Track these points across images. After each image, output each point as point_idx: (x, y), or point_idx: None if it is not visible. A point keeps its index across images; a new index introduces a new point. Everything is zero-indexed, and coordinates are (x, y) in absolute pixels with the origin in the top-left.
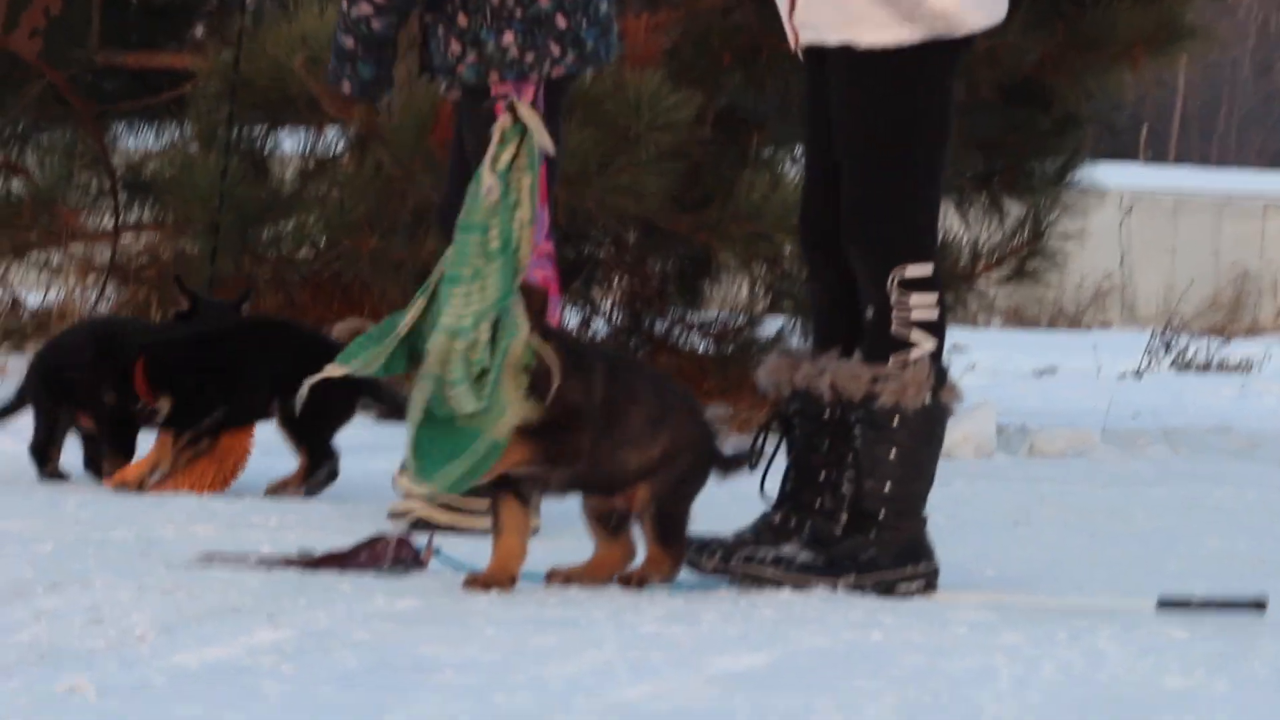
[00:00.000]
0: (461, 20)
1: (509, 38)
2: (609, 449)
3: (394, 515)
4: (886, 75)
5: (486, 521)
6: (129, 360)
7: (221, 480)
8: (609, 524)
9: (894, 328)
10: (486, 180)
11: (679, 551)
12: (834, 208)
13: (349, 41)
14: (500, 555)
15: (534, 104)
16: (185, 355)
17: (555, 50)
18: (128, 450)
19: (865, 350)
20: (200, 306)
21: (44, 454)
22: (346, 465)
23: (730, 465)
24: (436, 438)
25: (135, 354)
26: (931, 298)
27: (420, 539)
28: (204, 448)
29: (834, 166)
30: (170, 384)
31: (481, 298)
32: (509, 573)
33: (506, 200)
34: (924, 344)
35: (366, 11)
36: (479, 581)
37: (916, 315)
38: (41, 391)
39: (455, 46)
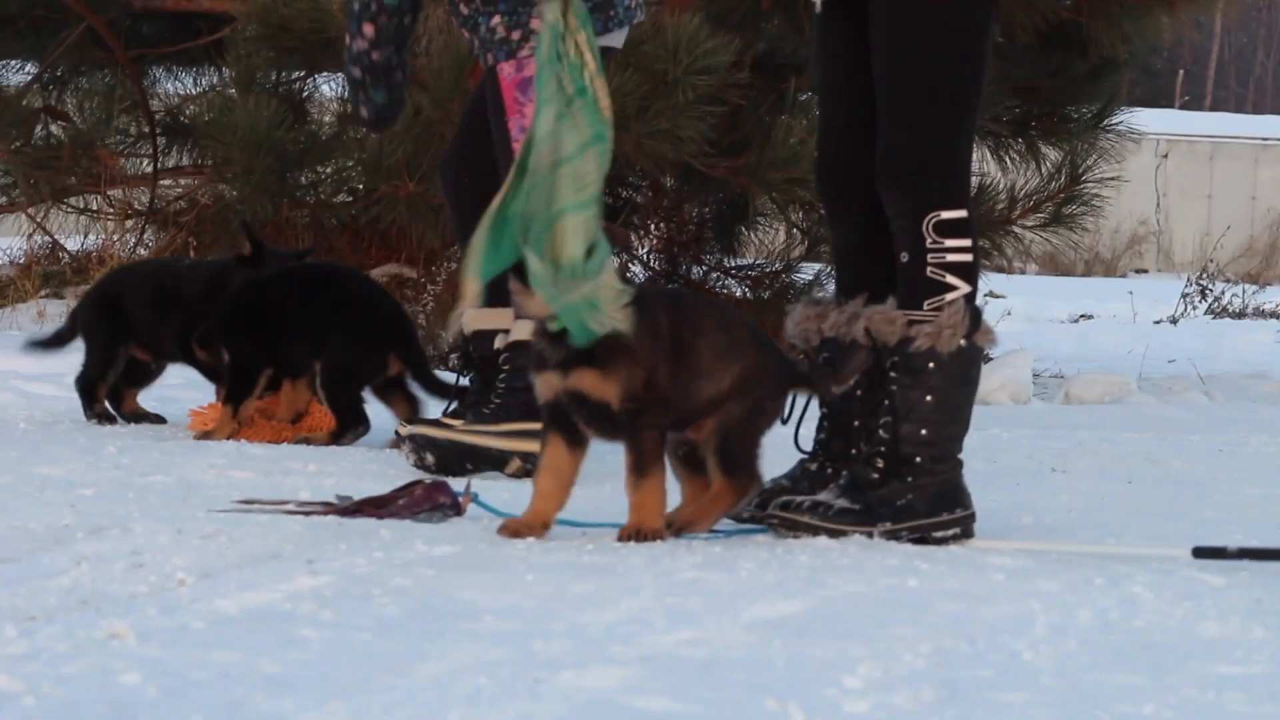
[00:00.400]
0: (463, 9)
1: (496, 20)
2: (682, 384)
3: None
4: (927, 19)
5: (503, 440)
6: (190, 307)
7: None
8: (689, 461)
9: (929, 271)
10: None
11: (743, 484)
12: (854, 153)
13: (356, 71)
14: (536, 501)
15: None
16: (234, 316)
17: (538, 26)
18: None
19: (900, 294)
20: (264, 253)
21: (93, 392)
22: (384, 412)
23: (814, 383)
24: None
25: (194, 302)
26: (966, 241)
27: (458, 485)
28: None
29: (851, 112)
30: (226, 344)
31: (579, 131)
32: (543, 519)
33: (565, 57)
34: (959, 287)
35: (363, 46)
36: (510, 528)
37: (951, 258)
38: (100, 327)
39: (465, 34)
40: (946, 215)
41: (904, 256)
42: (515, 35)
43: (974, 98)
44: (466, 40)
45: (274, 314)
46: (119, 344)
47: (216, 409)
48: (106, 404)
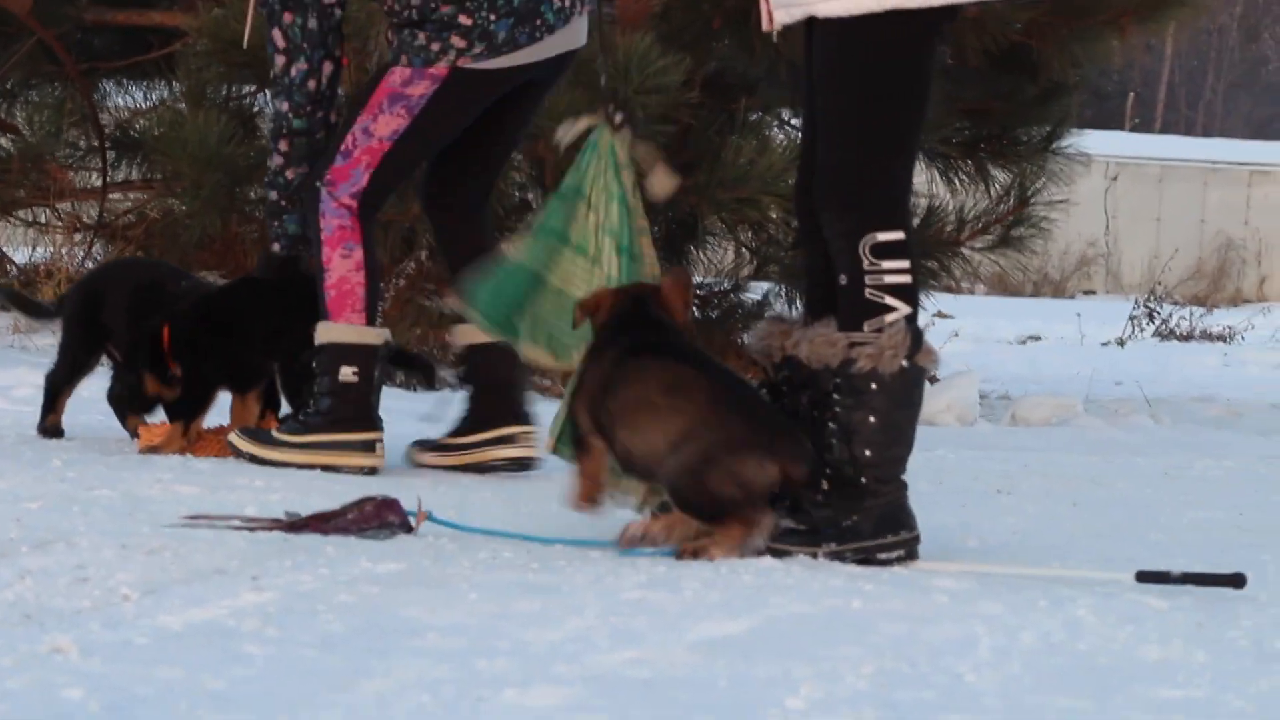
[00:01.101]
0: (392, 13)
1: (422, 35)
2: (618, 436)
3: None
4: (855, 44)
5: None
6: (162, 320)
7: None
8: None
9: (867, 293)
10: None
11: (729, 525)
12: None
13: (273, 195)
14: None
15: (444, 87)
16: (193, 326)
17: (460, 43)
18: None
19: (840, 316)
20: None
21: (55, 399)
22: None
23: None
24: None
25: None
26: (903, 263)
27: (410, 504)
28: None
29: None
30: (180, 357)
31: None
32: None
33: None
34: (898, 309)
35: (279, 163)
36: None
37: (889, 280)
38: (81, 329)
39: (389, 34)
40: (883, 237)
41: (842, 279)
42: (435, 47)
43: (912, 120)
44: (389, 39)
45: (230, 325)
46: (95, 351)
47: (165, 425)
48: (61, 418)
